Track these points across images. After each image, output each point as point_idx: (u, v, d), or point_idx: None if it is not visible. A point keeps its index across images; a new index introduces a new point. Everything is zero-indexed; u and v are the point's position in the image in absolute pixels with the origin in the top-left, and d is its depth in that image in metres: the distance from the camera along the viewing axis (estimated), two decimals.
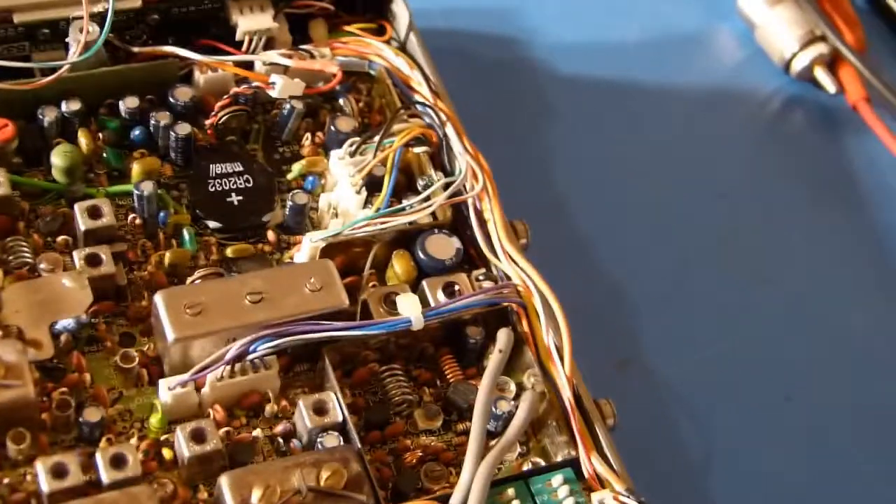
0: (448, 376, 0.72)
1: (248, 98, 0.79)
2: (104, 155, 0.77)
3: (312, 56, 0.81)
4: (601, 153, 0.97)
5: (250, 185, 0.77)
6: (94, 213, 0.72)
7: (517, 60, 1.02)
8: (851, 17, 1.02)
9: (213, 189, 0.76)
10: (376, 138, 0.78)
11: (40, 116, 0.75)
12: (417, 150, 0.78)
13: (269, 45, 0.82)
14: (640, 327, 0.87)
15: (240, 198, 0.77)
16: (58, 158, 0.74)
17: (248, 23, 0.81)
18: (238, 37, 0.81)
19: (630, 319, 0.88)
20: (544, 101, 1.00)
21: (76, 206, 0.72)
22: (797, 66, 1.01)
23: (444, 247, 0.74)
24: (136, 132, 0.77)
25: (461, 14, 1.02)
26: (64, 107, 0.76)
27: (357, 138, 0.78)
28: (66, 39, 0.77)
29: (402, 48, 0.84)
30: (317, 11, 0.85)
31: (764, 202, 0.96)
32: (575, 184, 0.95)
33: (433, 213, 0.76)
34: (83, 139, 0.76)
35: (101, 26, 0.76)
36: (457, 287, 0.73)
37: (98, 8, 0.76)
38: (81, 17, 0.76)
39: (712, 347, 0.86)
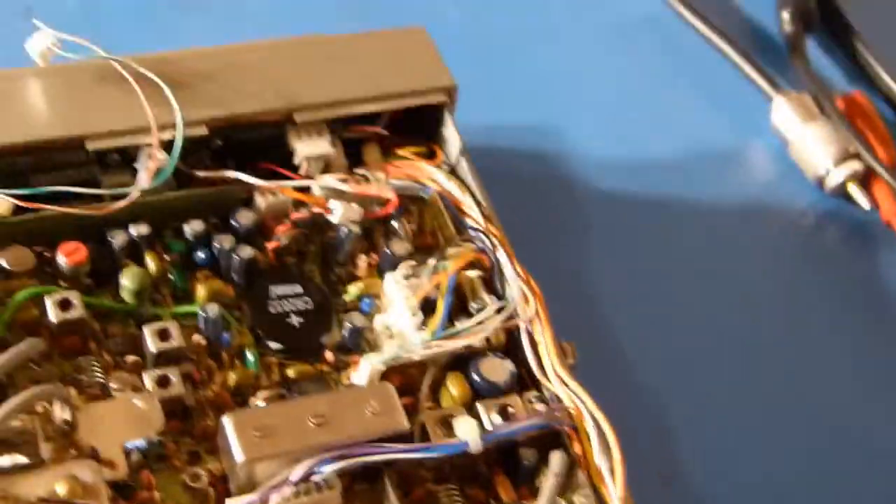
0: (502, 497, 0.74)
1: (307, 222, 0.81)
2: (170, 276, 0.79)
3: (368, 180, 0.84)
4: (637, 266, 1.00)
5: (309, 306, 0.80)
6: (164, 335, 0.74)
7: (555, 177, 1.05)
8: (884, 135, 1.06)
9: (273, 310, 0.79)
10: (431, 262, 0.80)
11: (110, 239, 0.78)
12: (470, 273, 0.80)
13: (326, 168, 0.85)
14: (683, 443, 0.89)
15: (299, 319, 0.79)
16: (127, 280, 0.77)
17: (305, 148, 0.84)
18: (296, 161, 0.84)
19: (672, 434, 0.90)
20: (581, 216, 1.04)
21: (146, 329, 0.75)
22: (831, 182, 1.04)
23: (497, 370, 0.77)
24: (201, 254, 0.80)
25: (500, 131, 1.05)
26: (132, 230, 0.79)
27: (412, 262, 0.81)
28: (135, 164, 0.80)
29: (453, 171, 0.86)
30: (371, 136, 0.87)
31: (797, 317, 0.98)
32: (612, 297, 0.98)
33: (487, 337, 0.77)
34: (150, 261, 0.79)
35: (169, 152, 0.78)
36: (511, 409, 0.75)
37: (166, 136, 0.79)
38: (151, 145, 0.78)
39: (754, 466, 0.87)
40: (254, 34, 0.90)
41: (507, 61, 1.11)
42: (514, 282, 0.80)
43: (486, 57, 1.09)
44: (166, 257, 0.81)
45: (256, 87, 0.84)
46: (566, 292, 0.93)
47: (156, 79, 0.80)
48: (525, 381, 0.79)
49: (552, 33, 1.15)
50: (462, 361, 0.79)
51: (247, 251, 0.80)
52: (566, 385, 0.77)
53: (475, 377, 0.77)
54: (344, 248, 0.83)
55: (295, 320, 0.79)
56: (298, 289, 0.81)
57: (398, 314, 0.79)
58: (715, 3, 1.20)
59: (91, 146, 0.79)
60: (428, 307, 0.80)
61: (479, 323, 0.78)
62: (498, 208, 0.86)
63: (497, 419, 0.75)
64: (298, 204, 0.83)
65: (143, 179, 0.78)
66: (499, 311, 0.79)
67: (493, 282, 0.82)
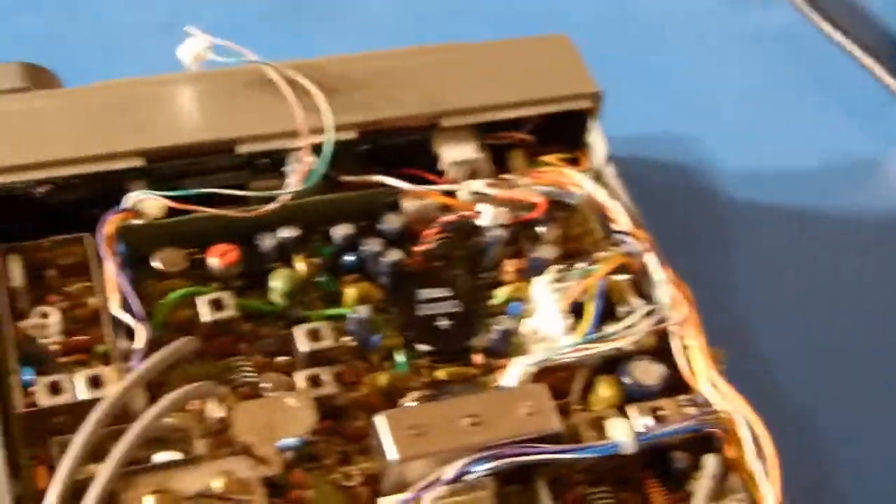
0: (654, 500, 0.73)
1: (454, 226, 0.81)
2: (318, 279, 0.79)
3: (515, 185, 0.83)
4: (776, 277, 0.99)
5: (457, 309, 0.79)
6: (315, 335, 0.74)
7: (691, 187, 1.04)
8: None
9: (422, 313, 0.79)
10: (579, 266, 0.79)
11: (259, 242, 0.78)
12: (619, 278, 0.79)
13: (472, 174, 0.84)
14: (830, 452, 0.87)
15: (448, 322, 0.79)
16: (278, 282, 0.77)
17: (452, 153, 0.84)
18: (442, 166, 0.83)
19: (818, 443, 0.88)
20: (718, 227, 1.03)
21: (297, 329, 0.75)
22: None
23: (649, 372, 0.76)
24: (349, 258, 0.80)
25: (635, 142, 1.04)
26: (282, 233, 0.79)
27: (560, 266, 0.80)
28: (284, 168, 0.80)
29: (598, 178, 0.86)
30: (516, 142, 0.87)
31: None
32: (751, 307, 0.96)
33: (637, 340, 0.77)
34: (299, 263, 0.79)
35: (318, 156, 0.78)
36: (662, 412, 0.74)
37: (315, 140, 0.79)
38: (301, 148, 0.79)
39: None
40: (388, 43, 0.90)
41: (642, 72, 1.11)
42: (664, 285, 0.79)
43: (621, 67, 1.07)
44: (315, 260, 0.80)
45: (403, 92, 0.84)
46: (704, 302, 0.92)
47: (306, 83, 0.80)
48: (676, 384, 0.77)
49: (688, 44, 1.14)
50: (612, 364, 0.78)
51: (394, 254, 0.80)
52: (718, 389, 0.76)
53: (626, 380, 0.76)
54: (491, 253, 0.82)
55: (443, 323, 0.79)
56: (447, 292, 0.80)
57: (546, 318, 0.79)
58: (850, 12, 1.18)
59: (241, 149, 0.79)
60: (576, 311, 0.79)
61: (629, 326, 0.77)
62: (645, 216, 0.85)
63: (649, 422, 0.74)
64: (445, 208, 0.83)
65: (293, 183, 0.79)
66: (649, 314, 0.78)
67: (642, 285, 0.80)
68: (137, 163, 0.77)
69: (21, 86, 0.83)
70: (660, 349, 0.79)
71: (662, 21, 1.16)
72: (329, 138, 0.79)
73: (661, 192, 1.02)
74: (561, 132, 0.89)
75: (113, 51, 1.04)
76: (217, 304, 0.75)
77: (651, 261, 0.80)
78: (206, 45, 0.79)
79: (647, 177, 1.01)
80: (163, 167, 0.79)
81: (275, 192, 0.78)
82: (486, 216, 0.81)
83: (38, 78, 0.84)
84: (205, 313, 0.75)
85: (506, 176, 0.85)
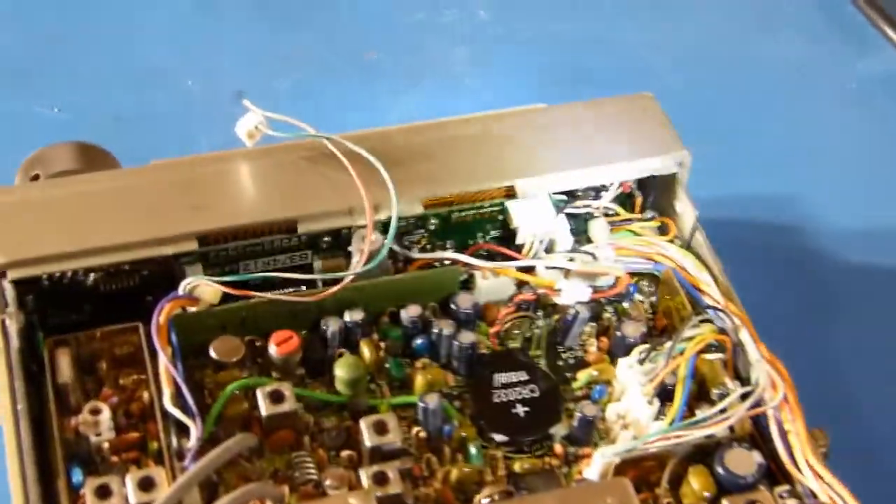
0: None
1: (532, 304, 0.76)
2: (386, 365, 0.74)
3: (595, 258, 0.77)
4: (889, 351, 0.91)
5: (536, 395, 0.74)
6: (380, 428, 0.69)
7: (791, 248, 0.98)
8: None
9: (497, 400, 0.74)
10: (667, 345, 0.73)
11: (323, 327, 0.74)
12: (711, 357, 0.73)
13: (550, 246, 0.79)
14: None
15: (526, 409, 0.74)
16: (342, 371, 0.72)
17: (528, 225, 0.78)
18: (519, 239, 0.78)
19: None
20: (821, 291, 0.96)
21: (362, 422, 0.70)
22: None
23: (744, 462, 0.70)
24: (419, 341, 0.75)
25: (728, 202, 0.98)
26: (346, 316, 0.74)
27: (646, 345, 0.74)
28: (349, 248, 0.75)
29: (687, 247, 0.80)
30: (597, 211, 0.81)
31: None
32: (859, 378, 0.89)
33: (731, 426, 0.70)
34: (366, 349, 0.74)
35: (385, 233, 0.74)
36: None
37: (381, 216, 0.74)
38: (364, 227, 0.74)
39: None
40: (466, 108, 0.85)
41: (733, 128, 1.05)
42: (760, 364, 0.73)
43: (709, 124, 1.02)
44: (382, 345, 0.75)
45: (474, 161, 0.79)
46: (805, 377, 0.85)
47: (368, 156, 0.76)
48: (774, 474, 0.71)
49: (783, 98, 1.08)
50: (704, 453, 0.71)
51: (468, 337, 0.74)
52: (821, 478, 0.69)
53: (720, 470, 0.70)
54: (572, 332, 0.77)
55: (521, 410, 0.74)
56: (524, 376, 0.75)
57: (633, 402, 0.73)
58: None
59: (303, 229, 0.74)
60: (665, 394, 0.73)
61: (723, 410, 0.71)
62: (735, 282, 0.79)
63: None
64: (521, 284, 0.77)
65: (358, 263, 0.74)
66: (744, 397, 0.72)
67: (735, 365, 0.74)
68: (191, 246, 0.73)
69: (74, 168, 0.78)
70: (757, 435, 0.73)
71: (752, 73, 1.09)
72: (394, 215, 0.73)
73: (758, 254, 0.96)
74: (645, 197, 0.82)
75: (182, 123, 0.99)
76: (277, 397, 0.70)
77: (745, 337, 0.74)
78: (260, 120, 0.74)
79: (742, 239, 0.95)
80: (218, 249, 0.74)
81: (338, 273, 0.73)
82: (567, 294, 0.75)
83: (94, 158, 0.80)
84: (264, 407, 0.69)
85: (586, 248, 0.79)
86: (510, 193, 0.79)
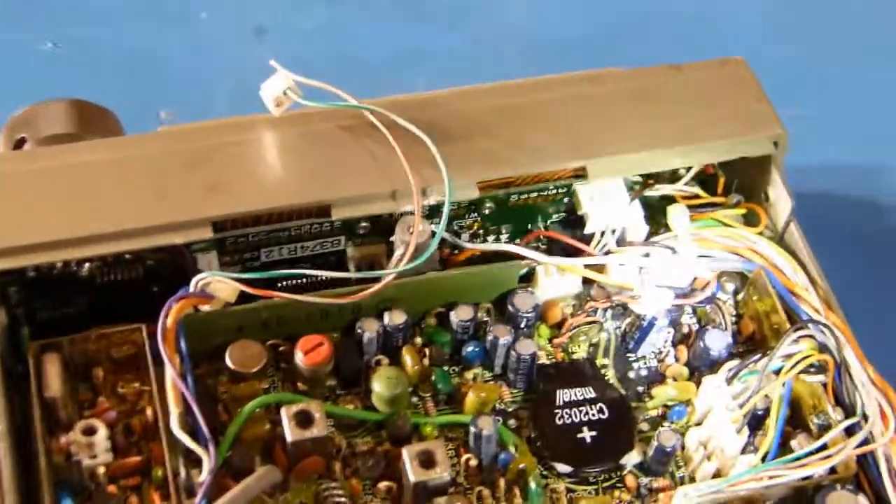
0: None
1: (602, 308, 0.64)
2: (432, 378, 0.63)
3: (675, 252, 0.66)
4: None
5: (604, 416, 0.63)
6: (427, 460, 0.58)
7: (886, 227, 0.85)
8: None
9: (560, 422, 0.63)
10: (761, 363, 0.62)
11: (359, 331, 0.62)
12: (810, 379, 0.62)
13: (623, 237, 0.67)
14: None
15: (592, 433, 0.63)
16: (380, 386, 0.61)
17: (600, 213, 0.66)
18: (588, 229, 0.66)
19: None
20: None
21: (405, 452, 0.59)
22: None
23: None
24: (470, 349, 0.64)
25: (825, 173, 0.85)
26: (386, 318, 0.63)
27: (734, 362, 0.63)
28: (391, 238, 0.63)
29: (779, 241, 0.68)
30: (676, 195, 0.69)
31: None
32: None
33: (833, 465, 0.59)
34: (408, 357, 0.63)
35: (431, 219, 0.62)
36: None
37: (429, 200, 0.62)
38: (410, 214, 0.62)
39: None
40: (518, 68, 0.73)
41: (832, 90, 0.91)
42: (868, 391, 0.62)
43: (795, 83, 0.89)
44: (426, 351, 0.63)
45: (539, 135, 0.67)
46: None
47: (416, 130, 0.63)
48: None
49: (880, 55, 0.95)
50: (801, 496, 0.61)
51: (528, 347, 0.63)
52: None
53: None
54: (647, 340, 0.65)
55: (587, 434, 0.63)
56: (590, 392, 0.64)
57: (717, 429, 0.63)
58: None
59: (338, 215, 0.62)
60: (756, 421, 0.61)
61: (823, 447, 0.59)
62: (829, 271, 0.68)
63: None
64: (588, 283, 0.65)
65: (403, 258, 0.62)
66: (848, 430, 0.61)
67: (839, 390, 0.63)
68: (205, 234, 0.62)
69: (68, 131, 0.66)
70: (863, 476, 0.63)
71: (847, 28, 0.96)
72: (447, 201, 0.61)
73: (850, 238, 0.83)
74: (729, 178, 0.71)
75: (193, 63, 0.87)
76: (305, 419, 0.60)
77: (849, 356, 0.63)
78: (290, 84, 0.62)
79: (842, 217, 0.82)
80: (237, 235, 0.62)
81: (378, 272, 0.61)
82: (648, 302, 0.63)
83: (91, 120, 0.68)
84: (289, 431, 0.58)
85: (664, 239, 0.67)
86: (580, 174, 0.66)
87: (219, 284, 0.61)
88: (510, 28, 0.94)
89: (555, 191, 0.68)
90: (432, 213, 0.65)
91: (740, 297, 0.70)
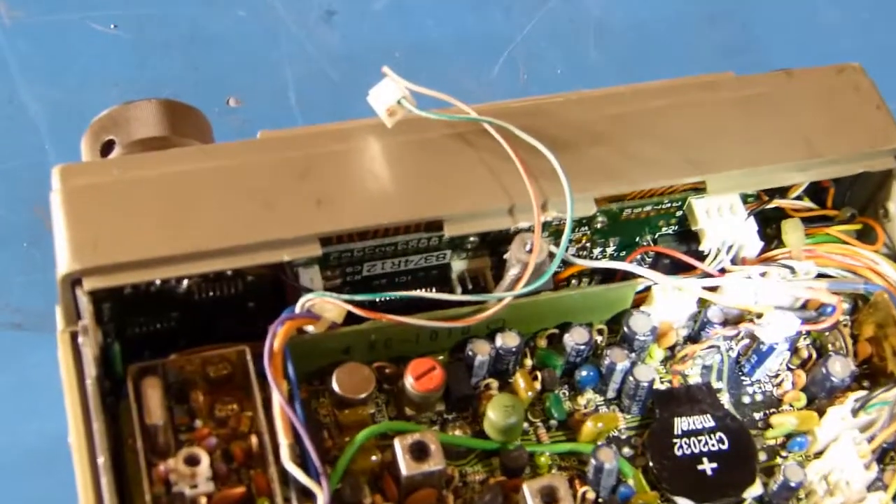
0: None
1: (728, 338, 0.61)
2: (547, 404, 0.59)
3: (793, 271, 0.62)
4: None
5: (724, 447, 0.60)
6: (549, 496, 0.55)
7: None
8: None
9: (680, 452, 0.59)
10: (891, 393, 0.59)
11: (469, 353, 0.59)
12: None
13: (737, 254, 0.64)
14: None
15: (713, 465, 0.60)
16: (496, 414, 0.58)
17: (716, 229, 0.63)
18: (704, 246, 0.63)
19: None
20: None
21: (526, 489, 0.56)
22: None
23: None
24: (585, 373, 0.61)
25: None
26: (498, 341, 0.59)
27: (862, 392, 0.59)
28: (504, 256, 0.60)
29: None
30: (787, 207, 0.66)
31: None
32: None
33: None
34: (521, 382, 0.59)
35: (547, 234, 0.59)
36: None
37: (546, 217, 0.59)
38: (527, 230, 0.58)
39: None
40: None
41: None
42: None
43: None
44: (538, 374, 0.60)
45: (657, 146, 0.64)
46: None
47: (537, 144, 0.59)
48: None
49: None
50: None
51: (646, 373, 0.60)
52: None
53: None
54: (765, 365, 0.62)
55: (708, 467, 0.60)
56: (709, 421, 0.61)
57: (842, 462, 0.59)
58: None
59: (451, 231, 0.59)
60: (884, 457, 0.59)
61: None
62: None
63: None
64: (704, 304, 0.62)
65: (519, 279, 0.58)
66: None
67: None
68: (314, 252, 0.58)
69: (159, 134, 0.61)
70: None
71: None
72: (569, 219, 0.58)
73: None
74: (841, 190, 0.68)
75: (263, 49, 0.82)
76: (420, 451, 0.56)
77: None
78: (403, 94, 0.58)
79: None
80: (341, 251, 0.58)
81: (494, 294, 0.58)
82: (772, 328, 0.59)
83: (184, 121, 0.64)
84: (404, 465, 0.55)
85: (781, 258, 0.63)
86: (698, 187, 0.63)
87: (326, 305, 0.57)
88: (585, 11, 0.89)
89: (669, 204, 0.64)
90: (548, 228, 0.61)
91: (854, 316, 0.66)
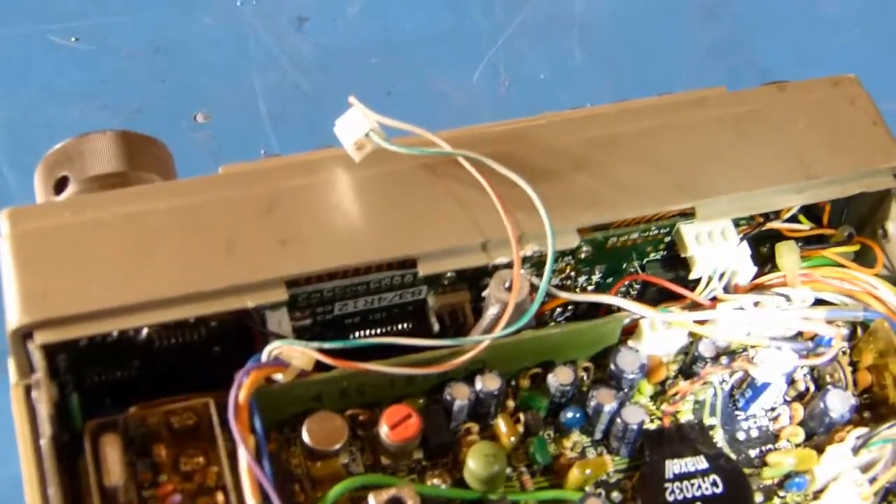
0: None
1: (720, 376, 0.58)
2: (531, 450, 0.56)
3: (788, 299, 0.59)
4: None
5: (719, 490, 0.57)
6: None
7: None
8: None
9: (672, 497, 0.56)
10: (891, 431, 0.56)
11: (447, 397, 0.56)
12: None
13: (729, 282, 0.61)
14: None
15: None
16: (477, 464, 0.54)
17: (708, 256, 0.60)
18: (695, 274, 0.59)
19: None
20: None
21: None
22: None
23: None
24: (570, 415, 0.58)
25: None
26: (478, 384, 0.56)
27: (863, 430, 0.56)
28: (483, 293, 0.56)
29: None
30: (782, 228, 0.62)
31: None
32: None
33: None
34: (502, 425, 0.56)
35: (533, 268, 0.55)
36: None
37: (525, 251, 0.55)
38: (504, 266, 0.55)
39: None
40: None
41: None
42: None
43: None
44: (520, 416, 0.56)
45: (639, 171, 0.60)
46: None
47: (512, 175, 0.56)
48: None
49: None
50: None
51: (636, 415, 0.57)
52: None
53: None
54: (758, 399, 0.59)
55: None
56: (702, 463, 0.58)
57: (843, 501, 0.55)
58: None
59: (425, 270, 0.55)
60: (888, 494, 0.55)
61: None
62: None
63: None
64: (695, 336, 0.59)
65: (500, 319, 0.55)
66: None
67: None
68: (280, 296, 0.54)
69: (116, 169, 0.58)
70: None
71: None
72: (550, 254, 0.55)
73: None
74: (837, 209, 0.64)
75: (232, 59, 0.79)
76: None
77: None
78: (371, 126, 0.55)
79: None
80: (310, 291, 0.55)
81: (467, 339, 0.54)
82: (768, 367, 0.56)
83: (141, 153, 0.60)
84: None
85: (777, 284, 0.60)
86: (685, 214, 0.59)
87: (293, 353, 0.54)
88: (568, 8, 0.86)
89: (657, 231, 0.61)
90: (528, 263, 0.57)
91: (854, 342, 0.62)
